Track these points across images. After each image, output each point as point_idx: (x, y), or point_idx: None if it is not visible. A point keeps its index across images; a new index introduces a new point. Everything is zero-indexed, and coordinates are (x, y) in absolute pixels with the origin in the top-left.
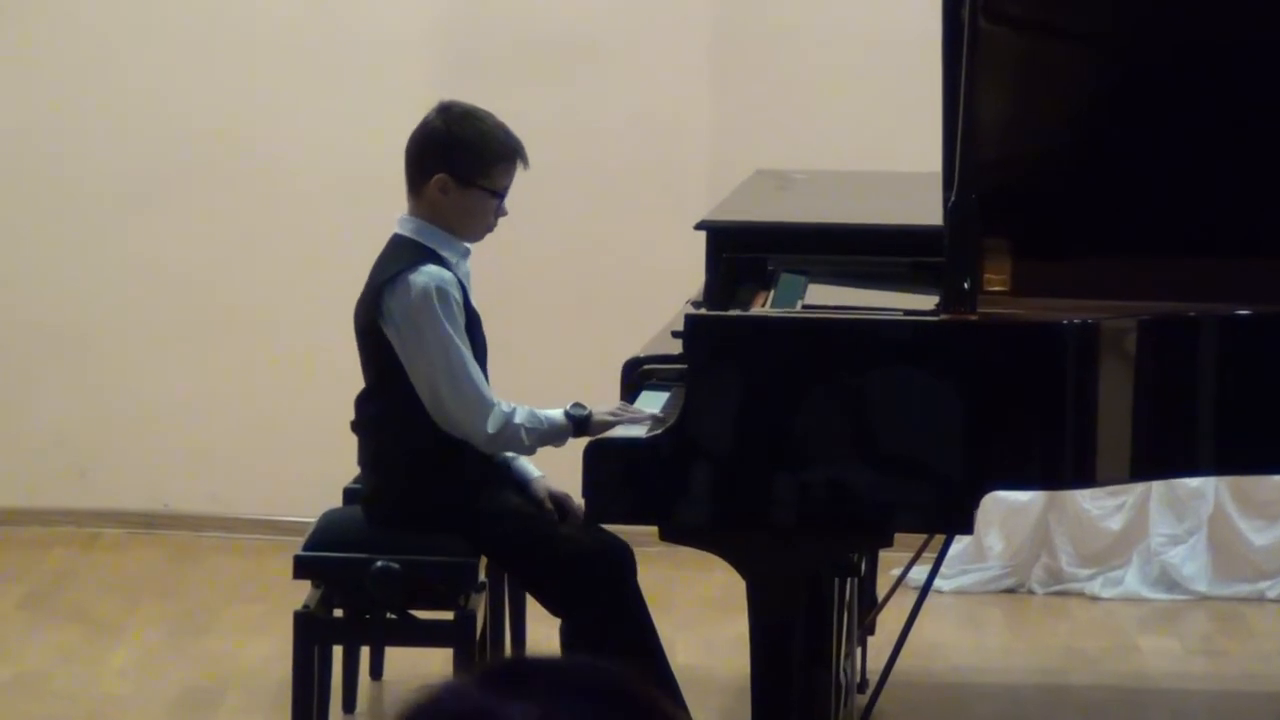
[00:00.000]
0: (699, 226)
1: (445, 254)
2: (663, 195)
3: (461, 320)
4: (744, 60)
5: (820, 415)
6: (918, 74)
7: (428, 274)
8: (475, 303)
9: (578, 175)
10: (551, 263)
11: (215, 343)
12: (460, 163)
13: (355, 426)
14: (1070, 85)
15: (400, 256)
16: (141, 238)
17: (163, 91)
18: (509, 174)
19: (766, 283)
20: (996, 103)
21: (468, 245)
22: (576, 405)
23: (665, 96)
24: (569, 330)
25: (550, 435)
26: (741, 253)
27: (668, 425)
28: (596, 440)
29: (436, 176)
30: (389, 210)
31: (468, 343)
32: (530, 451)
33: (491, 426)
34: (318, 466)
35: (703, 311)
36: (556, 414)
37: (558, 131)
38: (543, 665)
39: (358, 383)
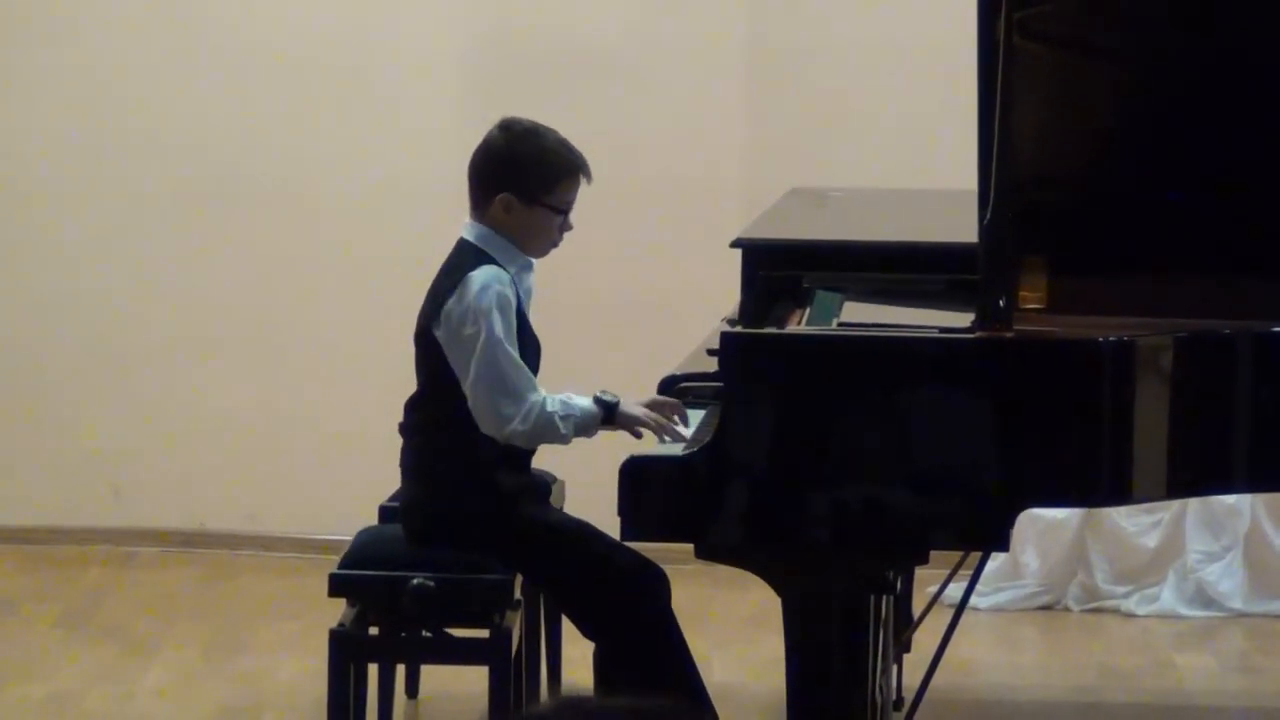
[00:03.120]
0: (735, 244)
1: (508, 266)
2: (697, 212)
3: (513, 322)
4: (779, 76)
5: (856, 433)
6: (954, 91)
7: (486, 272)
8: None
9: (611, 191)
10: (585, 280)
11: (251, 360)
12: (523, 181)
13: (402, 429)
14: (1106, 102)
15: (462, 263)
16: (176, 254)
17: (197, 109)
18: (572, 190)
19: (802, 300)
20: (1032, 119)
21: (530, 259)
22: (604, 391)
23: (699, 112)
24: (603, 348)
25: (584, 422)
26: (777, 270)
27: (704, 443)
28: (632, 459)
29: (500, 196)
30: (422, 223)
31: (515, 342)
32: (566, 440)
33: (525, 421)
34: (354, 485)
35: (738, 329)
36: (585, 401)
37: (589, 147)
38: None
39: (398, 399)
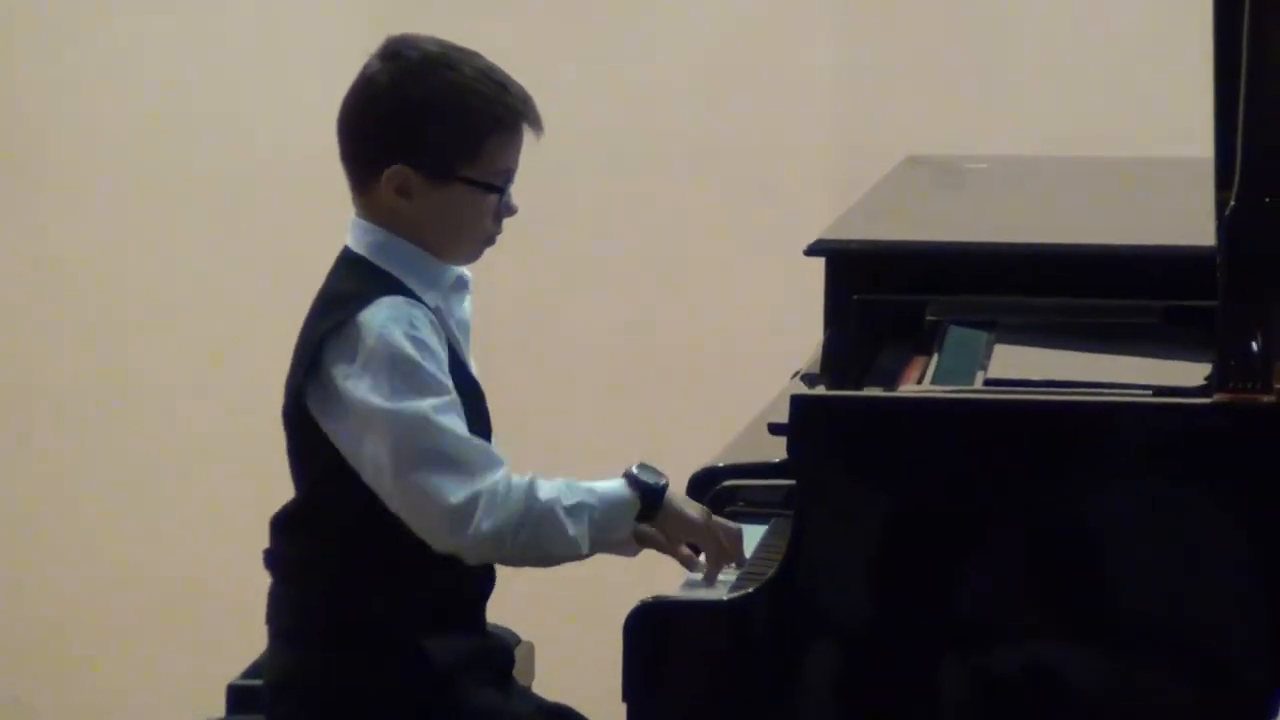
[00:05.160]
0: (813, 250)
1: (422, 290)
2: (757, 201)
3: (442, 373)
4: None
5: (1015, 559)
6: (1168, 8)
7: (384, 310)
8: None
9: (620, 169)
10: (579, 310)
11: (13, 448)
12: (427, 145)
13: (270, 561)
14: None
15: (346, 293)
16: None
17: None
18: (510, 149)
19: (925, 342)
20: None
21: (462, 271)
22: (644, 467)
23: (761, 42)
24: (606, 421)
25: (608, 516)
26: (883, 292)
27: (765, 578)
28: (646, 606)
29: (390, 170)
30: (295, 213)
31: (453, 396)
32: (577, 547)
33: (491, 511)
34: (187, 652)
35: (820, 391)
36: (611, 483)
37: (587, 100)
38: None
39: (245, 516)
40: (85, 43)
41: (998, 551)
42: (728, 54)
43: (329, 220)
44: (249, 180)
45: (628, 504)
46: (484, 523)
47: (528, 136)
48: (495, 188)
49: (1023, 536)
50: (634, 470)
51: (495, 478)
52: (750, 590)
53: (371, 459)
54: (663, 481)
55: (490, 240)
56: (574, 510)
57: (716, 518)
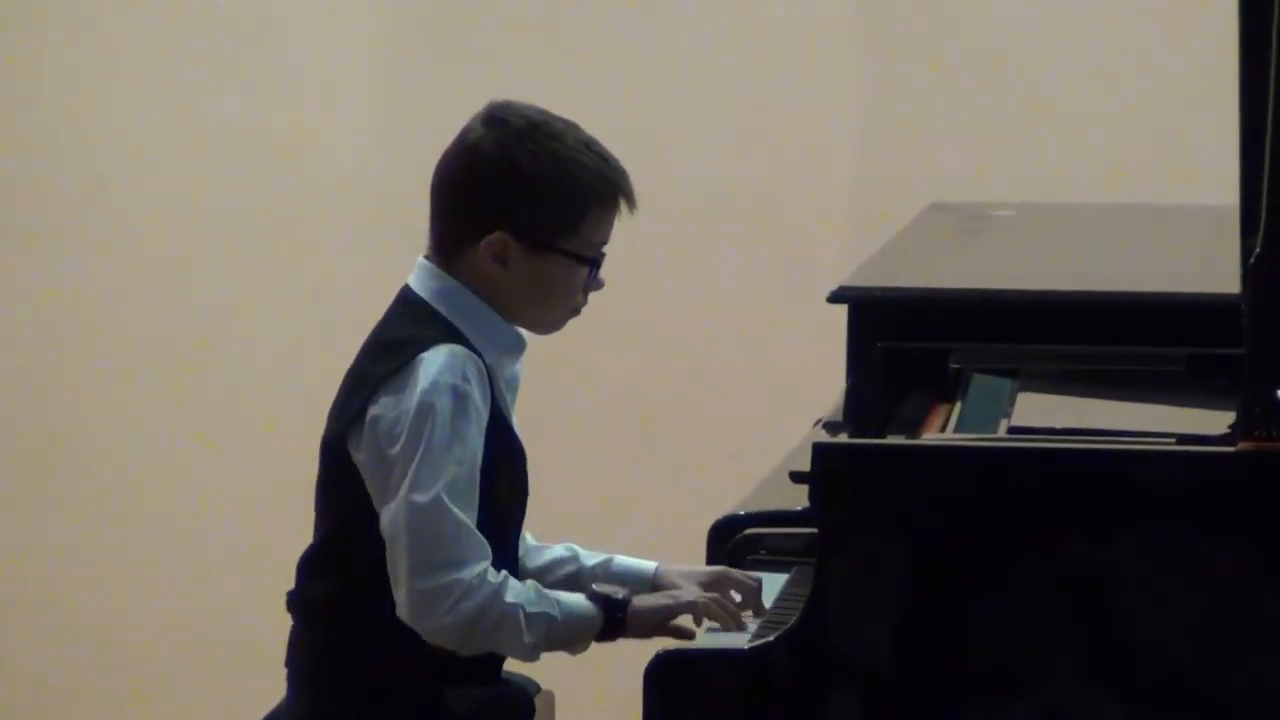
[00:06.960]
0: (836, 297)
1: (479, 344)
2: (781, 248)
3: (477, 435)
4: (912, 30)
5: (1038, 608)
6: (1190, 54)
7: (444, 356)
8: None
9: (642, 215)
10: (599, 358)
11: (35, 489)
12: (530, 215)
13: (293, 604)
14: None
15: (408, 336)
16: None
17: None
18: (606, 223)
19: (948, 390)
20: None
21: (520, 332)
22: (603, 583)
23: (786, 89)
24: (628, 470)
25: (568, 630)
26: (906, 340)
27: (786, 627)
28: (666, 655)
29: (491, 236)
30: (313, 257)
31: (474, 478)
32: (529, 653)
33: (457, 609)
34: (209, 696)
35: (842, 439)
36: (576, 598)
37: (610, 146)
38: None
39: (272, 557)
40: (116, 74)
41: (1020, 601)
42: (752, 100)
43: (368, 255)
44: (284, 217)
45: (590, 620)
46: (445, 616)
47: (624, 212)
48: (590, 260)
49: (1045, 585)
50: (596, 586)
51: (474, 570)
52: (771, 639)
53: (381, 501)
54: (623, 594)
55: (576, 311)
56: (534, 619)
57: (733, 570)
